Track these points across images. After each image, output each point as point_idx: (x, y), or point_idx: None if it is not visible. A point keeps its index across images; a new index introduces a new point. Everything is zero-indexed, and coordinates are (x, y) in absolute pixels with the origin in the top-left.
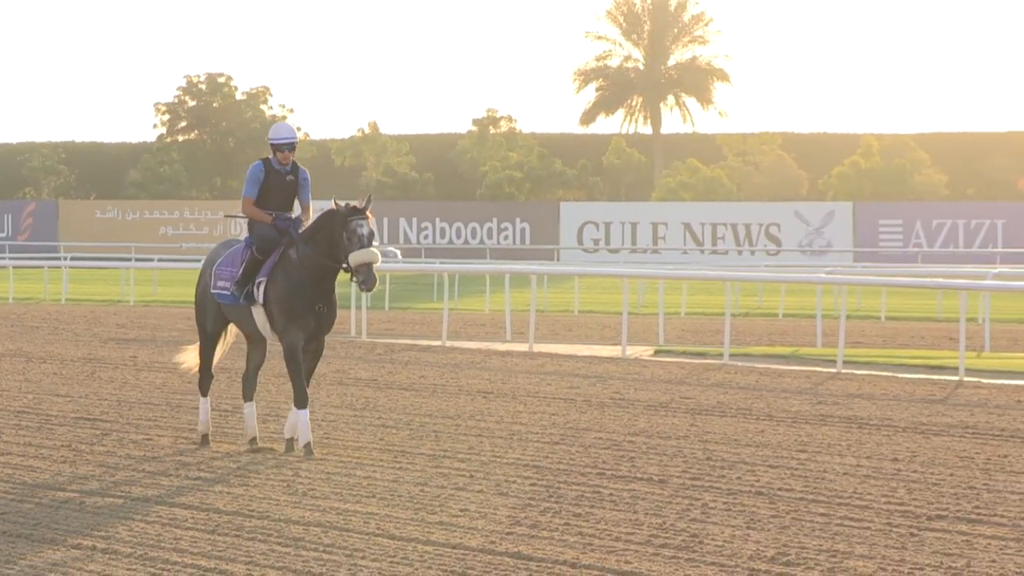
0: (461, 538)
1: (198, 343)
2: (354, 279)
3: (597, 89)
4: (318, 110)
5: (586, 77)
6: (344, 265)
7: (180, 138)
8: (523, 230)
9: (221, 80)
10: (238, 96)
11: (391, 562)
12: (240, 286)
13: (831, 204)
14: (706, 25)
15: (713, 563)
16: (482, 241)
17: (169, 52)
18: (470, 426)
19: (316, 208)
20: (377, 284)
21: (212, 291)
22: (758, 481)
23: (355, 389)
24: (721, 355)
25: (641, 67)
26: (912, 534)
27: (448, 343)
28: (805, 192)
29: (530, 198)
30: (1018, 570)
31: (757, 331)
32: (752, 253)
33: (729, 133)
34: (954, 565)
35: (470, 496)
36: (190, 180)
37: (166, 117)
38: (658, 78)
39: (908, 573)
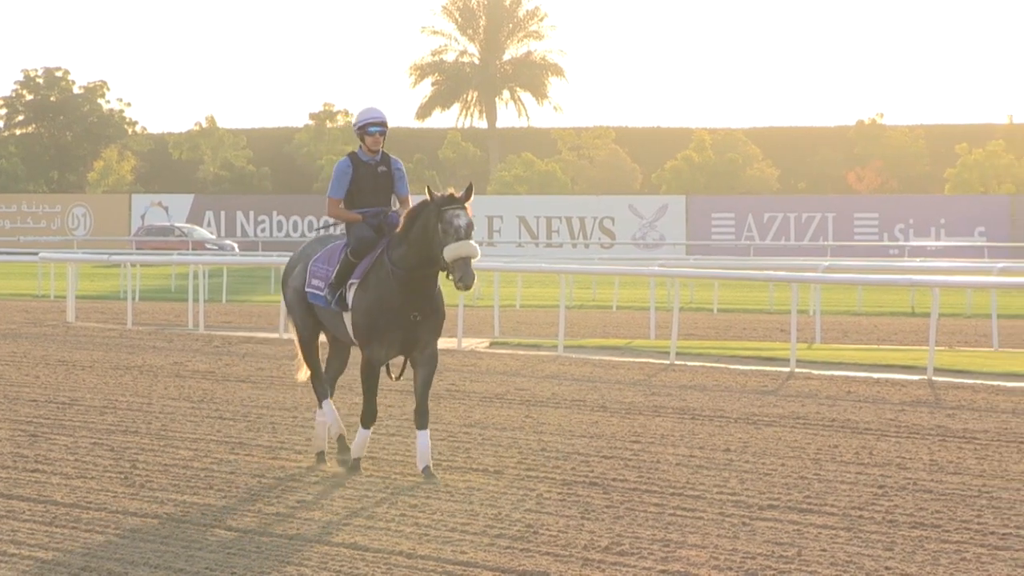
0: (298, 529)
1: (298, 348)
2: (450, 276)
3: (433, 84)
4: (156, 104)
5: (422, 72)
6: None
7: (17, 132)
8: None
9: (59, 74)
10: (75, 90)
11: (228, 553)
12: (333, 290)
13: (664, 198)
14: (541, 20)
15: (548, 553)
16: (319, 234)
17: (6, 46)
18: (307, 418)
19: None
20: (476, 282)
21: (307, 289)
22: (592, 472)
23: (192, 381)
24: (556, 347)
25: (476, 62)
26: (744, 523)
27: (285, 335)
28: (639, 186)
29: None
30: (848, 558)
31: (591, 323)
32: (587, 246)
33: (564, 127)
34: (785, 554)
35: (307, 488)
36: (27, 174)
37: (3, 111)
38: (493, 73)
39: (740, 562)
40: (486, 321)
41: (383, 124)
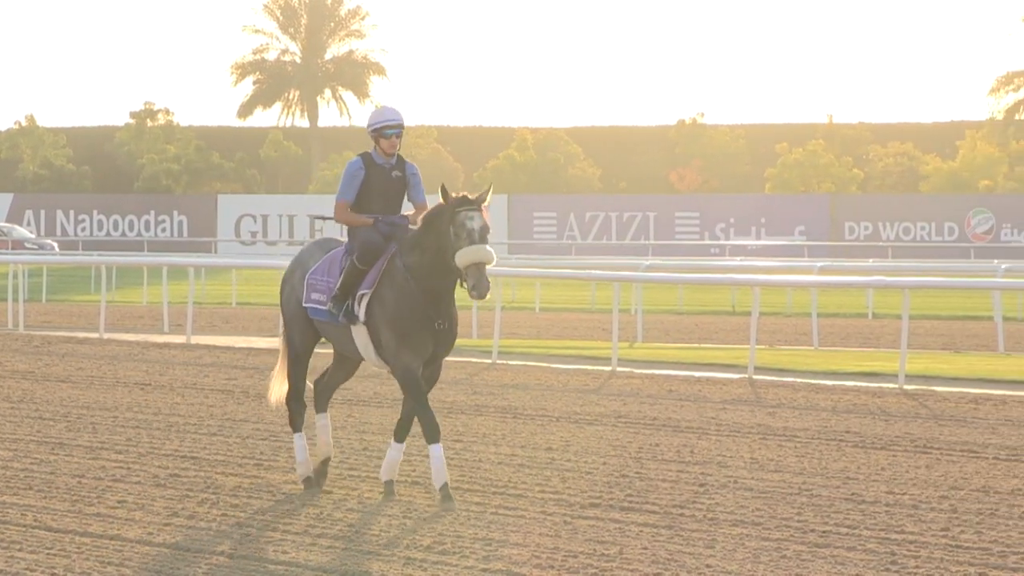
0: (119, 529)
1: (283, 361)
2: (463, 284)
3: (255, 83)
4: None
5: (243, 70)
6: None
7: None
8: (181, 223)
9: None
10: None
11: (48, 554)
12: (338, 302)
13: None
14: (362, 19)
15: (370, 552)
16: (140, 234)
17: None
18: (128, 418)
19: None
20: (491, 290)
21: (305, 304)
22: (414, 471)
23: (12, 381)
24: None
25: (298, 61)
26: (566, 522)
27: (106, 335)
28: (461, 185)
29: (188, 191)
30: (669, 556)
31: None
32: None
33: None
34: (607, 552)
35: (128, 488)
36: None
37: None
38: (315, 72)
39: (562, 560)
40: None
41: (400, 126)
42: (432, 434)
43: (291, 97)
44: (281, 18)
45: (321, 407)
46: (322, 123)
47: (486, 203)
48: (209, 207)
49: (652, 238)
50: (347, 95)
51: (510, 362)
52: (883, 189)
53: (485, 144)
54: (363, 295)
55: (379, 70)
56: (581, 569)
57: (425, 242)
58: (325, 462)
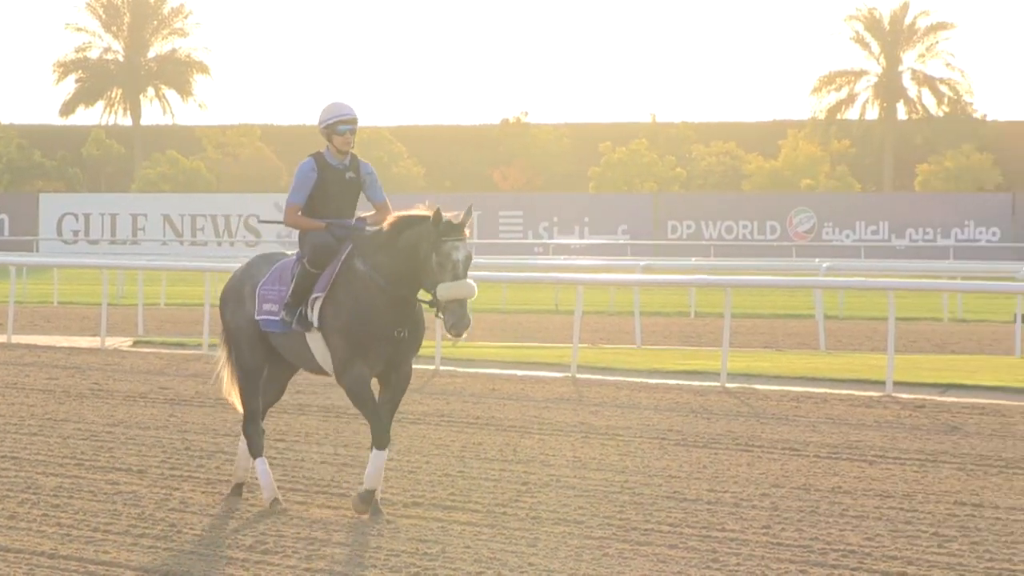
0: None
1: (235, 387)
2: (439, 315)
3: (77, 81)
4: None
5: (66, 68)
6: (428, 300)
7: None
8: (2, 221)
9: None
10: None
11: None
12: (291, 308)
13: None
14: (185, 18)
15: (192, 552)
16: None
17: None
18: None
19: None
20: (471, 327)
21: (257, 317)
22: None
23: None
24: (200, 345)
25: (121, 59)
26: (388, 521)
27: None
28: (284, 184)
29: (9, 189)
30: (491, 555)
31: None
32: (232, 244)
33: (209, 125)
34: (429, 551)
35: None
36: None
37: None
38: (138, 70)
39: (384, 560)
40: (130, 320)
41: (355, 121)
42: (382, 441)
43: (114, 95)
44: (104, 16)
45: (256, 451)
46: (145, 121)
47: (469, 223)
48: (30, 206)
49: (476, 237)
50: (170, 93)
51: None
52: (706, 188)
53: (308, 143)
54: (316, 298)
55: (202, 68)
56: (403, 568)
57: (400, 245)
58: (239, 487)
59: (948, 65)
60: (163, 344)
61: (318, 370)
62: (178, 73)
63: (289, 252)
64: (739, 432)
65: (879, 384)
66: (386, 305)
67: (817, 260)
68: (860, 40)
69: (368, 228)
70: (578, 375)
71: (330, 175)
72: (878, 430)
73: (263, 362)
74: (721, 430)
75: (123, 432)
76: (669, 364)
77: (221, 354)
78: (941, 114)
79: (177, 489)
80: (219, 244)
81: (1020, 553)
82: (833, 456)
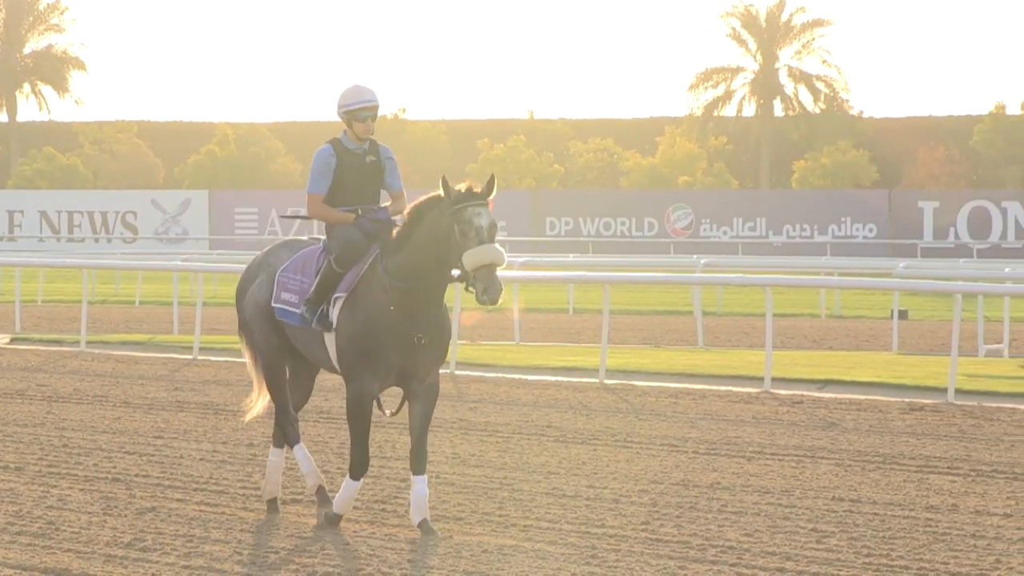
0: None
1: (260, 380)
2: (469, 287)
3: None
4: None
5: None
6: (456, 272)
7: None
8: None
9: None
10: None
11: None
12: (312, 305)
13: (187, 192)
14: (62, 14)
15: (70, 550)
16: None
17: None
18: None
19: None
20: (503, 293)
21: (274, 304)
22: (115, 468)
23: None
24: (78, 342)
25: None
26: (268, 518)
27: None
28: (162, 180)
29: None
30: (371, 552)
31: (114, 318)
32: (109, 241)
33: (86, 121)
34: (309, 548)
35: None
36: None
37: None
38: (13, 66)
39: (263, 556)
40: (7, 317)
41: (377, 107)
42: (358, 470)
43: None
44: None
45: (279, 442)
46: (21, 118)
47: (492, 196)
48: None
49: None
50: (46, 90)
51: (212, 358)
52: (584, 184)
53: (186, 139)
54: (338, 298)
55: (79, 64)
56: (282, 565)
57: (415, 240)
58: (321, 490)
59: (824, 62)
60: (40, 341)
61: (334, 370)
62: (54, 69)
63: (305, 237)
64: (618, 428)
65: (757, 380)
66: (403, 309)
67: (695, 256)
68: (737, 37)
69: (394, 220)
70: (457, 372)
71: (349, 160)
72: (756, 426)
73: (280, 349)
74: (600, 426)
75: (0, 429)
76: (548, 360)
77: (246, 355)
78: (818, 111)
79: (55, 487)
80: (96, 241)
81: (897, 548)
82: (712, 452)
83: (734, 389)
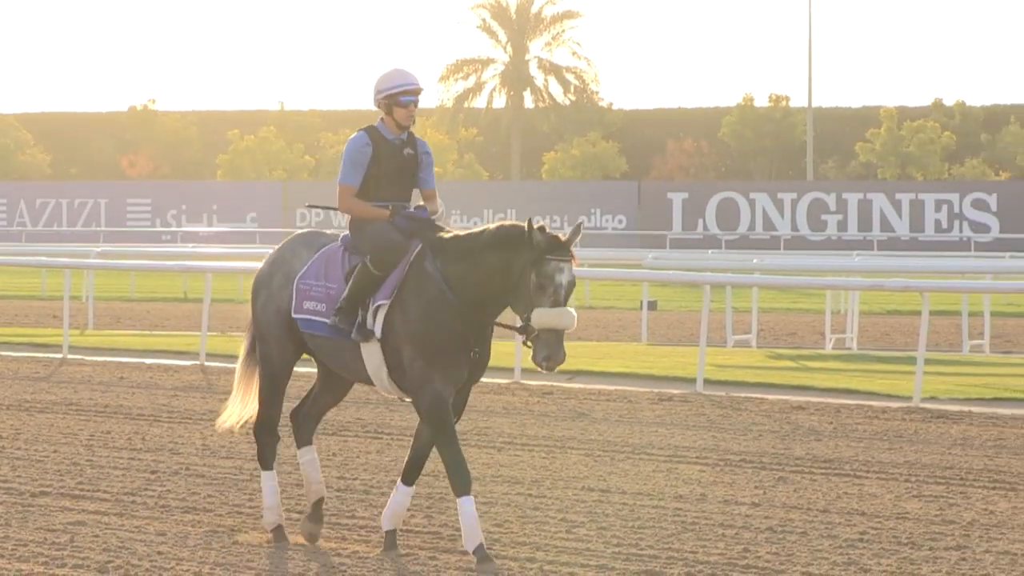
0: None
1: (248, 390)
2: (528, 342)
3: None
4: None
5: None
6: (519, 325)
7: None
8: None
9: None
10: None
11: None
12: (346, 315)
13: None
14: None
15: None
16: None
17: None
18: None
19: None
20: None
21: (296, 316)
22: None
23: None
24: None
25: None
26: (17, 511)
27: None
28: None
29: None
30: (120, 543)
31: None
32: None
33: None
34: (58, 540)
35: None
36: None
37: None
38: None
39: (12, 549)
40: None
41: (419, 92)
42: (462, 484)
43: None
44: None
45: (304, 440)
46: None
47: (575, 243)
48: None
49: (103, 225)
50: None
51: None
52: (334, 176)
53: None
54: (380, 306)
55: None
56: (32, 558)
57: (483, 263)
58: (318, 504)
59: (575, 54)
60: None
61: (366, 381)
62: None
63: (328, 231)
64: (368, 420)
65: (508, 371)
66: (463, 318)
67: None
68: (487, 28)
69: (438, 225)
70: (207, 363)
71: (386, 151)
72: (506, 416)
73: (293, 362)
74: (351, 418)
75: None
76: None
77: (242, 346)
78: (568, 103)
79: None
80: None
81: (647, 538)
82: (462, 443)
83: (485, 380)
